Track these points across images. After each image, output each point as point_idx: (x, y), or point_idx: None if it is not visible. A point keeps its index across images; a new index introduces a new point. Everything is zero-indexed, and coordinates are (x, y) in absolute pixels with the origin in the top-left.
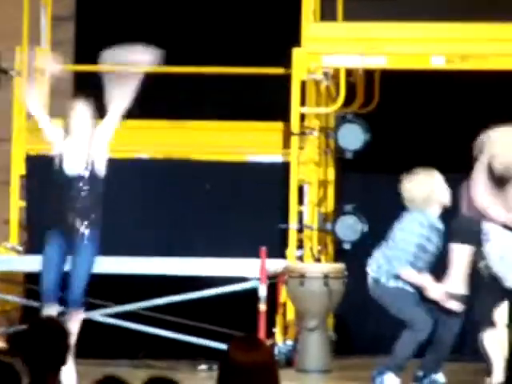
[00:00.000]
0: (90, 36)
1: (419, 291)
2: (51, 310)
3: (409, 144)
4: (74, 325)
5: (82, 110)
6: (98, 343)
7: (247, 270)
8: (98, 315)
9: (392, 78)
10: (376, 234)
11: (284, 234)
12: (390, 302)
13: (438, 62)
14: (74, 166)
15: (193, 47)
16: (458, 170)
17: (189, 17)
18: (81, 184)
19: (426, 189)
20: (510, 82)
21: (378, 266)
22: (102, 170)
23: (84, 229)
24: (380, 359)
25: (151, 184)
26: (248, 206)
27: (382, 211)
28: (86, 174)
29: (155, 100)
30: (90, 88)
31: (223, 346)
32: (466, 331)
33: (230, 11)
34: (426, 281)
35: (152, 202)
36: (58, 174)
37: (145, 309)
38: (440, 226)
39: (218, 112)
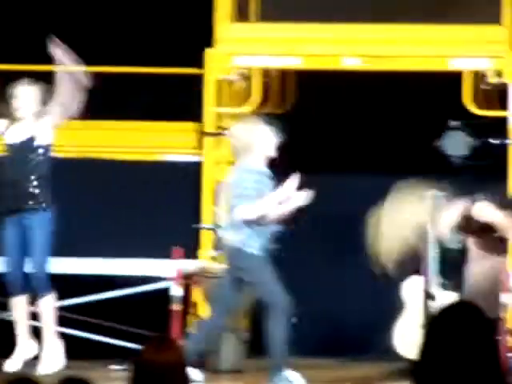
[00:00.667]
0: None
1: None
2: (20, 301)
3: (324, 144)
4: (50, 312)
5: (25, 90)
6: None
7: (161, 270)
8: (5, 315)
9: (308, 78)
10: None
11: (200, 234)
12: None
13: (351, 63)
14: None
15: (106, 47)
16: (373, 169)
17: (104, 17)
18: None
19: (246, 137)
20: (422, 81)
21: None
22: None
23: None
24: (293, 359)
25: (66, 183)
26: (163, 206)
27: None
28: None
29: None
30: None
31: (136, 346)
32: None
33: (145, 12)
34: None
35: (66, 201)
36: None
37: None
38: (266, 171)
39: (133, 112)
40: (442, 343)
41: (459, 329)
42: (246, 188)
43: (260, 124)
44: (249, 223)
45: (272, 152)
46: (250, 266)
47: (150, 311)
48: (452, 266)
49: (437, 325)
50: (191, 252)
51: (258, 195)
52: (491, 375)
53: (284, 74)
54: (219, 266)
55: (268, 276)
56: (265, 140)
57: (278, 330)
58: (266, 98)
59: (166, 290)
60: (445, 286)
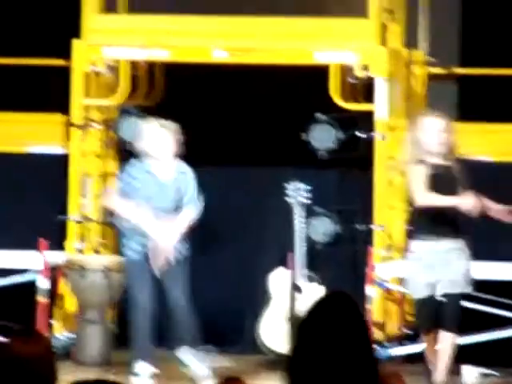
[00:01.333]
0: None
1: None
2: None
3: (192, 136)
4: None
5: None
6: None
7: (26, 262)
8: None
9: (176, 70)
10: None
11: (65, 226)
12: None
13: (220, 55)
14: None
15: None
16: (242, 162)
17: None
18: None
19: (141, 137)
20: (291, 74)
21: None
22: None
23: None
24: (164, 352)
25: None
26: (29, 198)
27: None
28: None
29: None
30: None
31: (2, 339)
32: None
33: (13, 2)
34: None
35: None
36: None
37: None
38: (154, 172)
39: (6, 103)
40: (316, 336)
41: (334, 320)
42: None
43: (153, 124)
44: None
45: (157, 154)
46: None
47: (15, 303)
48: (319, 258)
49: (311, 317)
50: (57, 244)
51: (125, 195)
52: (366, 367)
53: (152, 66)
54: (85, 258)
55: (133, 275)
56: (152, 141)
57: (136, 321)
58: (134, 90)
59: (32, 282)
60: (311, 279)
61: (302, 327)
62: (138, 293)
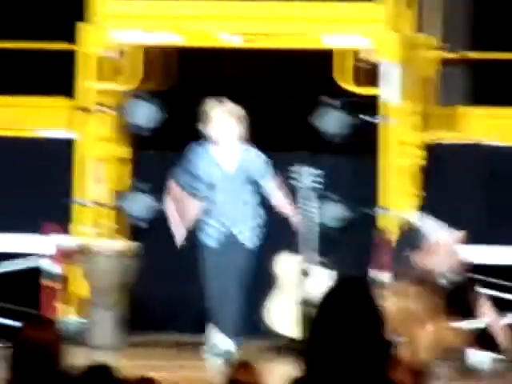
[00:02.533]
0: None
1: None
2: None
3: None
4: None
5: None
6: None
7: (37, 246)
8: None
9: (190, 56)
10: None
11: (79, 211)
12: None
13: (230, 40)
14: None
15: None
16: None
17: None
18: None
19: (206, 122)
20: (299, 58)
21: None
22: None
23: None
24: (174, 336)
25: None
26: (38, 182)
27: None
28: None
29: None
30: None
31: (14, 323)
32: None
33: None
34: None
35: None
36: None
37: None
38: (220, 160)
39: (9, 87)
40: (331, 322)
41: (348, 306)
42: None
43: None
44: None
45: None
46: None
47: (27, 288)
48: (329, 243)
49: (326, 303)
50: (64, 227)
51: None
52: (379, 352)
53: (166, 51)
54: (98, 243)
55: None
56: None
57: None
58: (147, 75)
59: (38, 267)
60: (323, 264)
61: (317, 313)
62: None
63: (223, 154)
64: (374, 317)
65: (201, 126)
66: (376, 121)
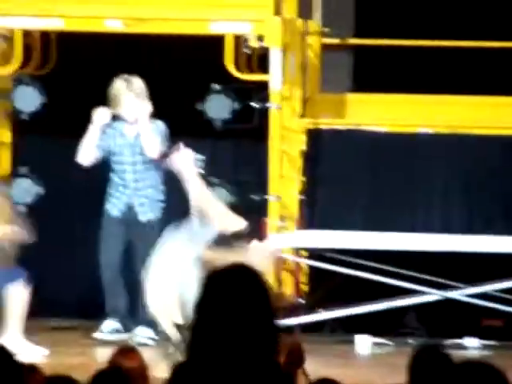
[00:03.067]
0: None
1: None
2: None
3: (85, 106)
4: None
5: None
6: None
7: None
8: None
9: (70, 40)
10: (51, 196)
11: None
12: None
13: (113, 25)
14: None
15: None
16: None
17: None
18: None
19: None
20: (186, 44)
21: None
22: None
23: None
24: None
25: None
26: None
27: (58, 173)
28: None
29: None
30: None
31: None
32: None
33: None
34: None
35: None
36: None
37: None
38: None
39: None
40: (215, 303)
41: (233, 289)
42: None
43: None
44: None
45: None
46: None
47: None
48: None
49: (211, 286)
50: None
51: None
52: (267, 335)
53: (45, 35)
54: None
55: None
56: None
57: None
58: (27, 60)
59: None
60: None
61: (201, 295)
62: (105, 250)
63: (130, 129)
64: (260, 299)
65: (110, 107)
66: (258, 106)
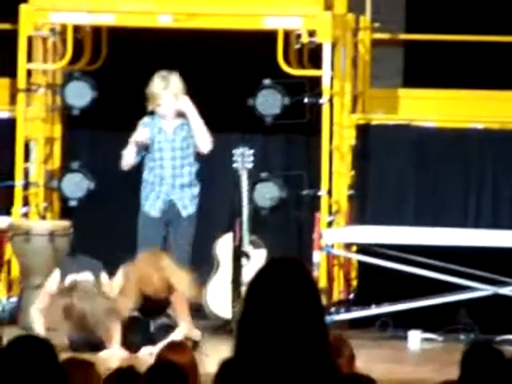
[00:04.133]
0: None
1: None
2: None
3: (135, 101)
4: None
5: None
6: None
7: None
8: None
9: (120, 35)
10: (102, 191)
11: (10, 191)
12: None
13: (164, 20)
14: None
15: None
16: None
17: None
18: None
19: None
20: (238, 39)
21: None
22: None
23: None
24: None
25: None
26: None
27: (109, 168)
28: None
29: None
30: None
31: None
32: None
33: None
34: None
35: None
36: None
37: None
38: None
39: None
40: (264, 299)
41: (282, 283)
42: None
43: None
44: None
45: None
46: None
47: None
48: (265, 224)
49: (259, 280)
50: (3, 209)
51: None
52: (315, 331)
53: (96, 30)
54: (30, 223)
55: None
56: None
57: None
58: (79, 55)
59: None
60: (256, 245)
61: (249, 290)
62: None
63: (168, 125)
64: (309, 294)
65: (148, 104)
66: (312, 102)
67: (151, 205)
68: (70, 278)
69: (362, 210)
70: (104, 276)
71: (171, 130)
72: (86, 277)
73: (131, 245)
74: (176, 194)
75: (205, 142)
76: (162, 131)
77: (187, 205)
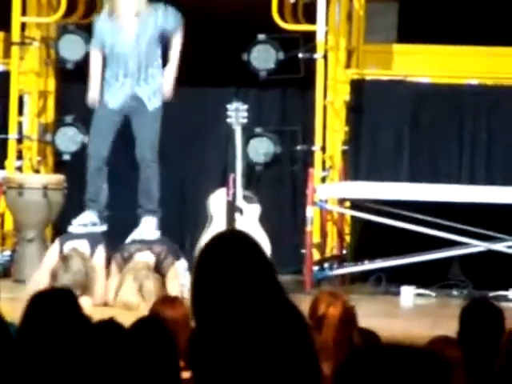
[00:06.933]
0: None
1: None
2: None
3: None
4: None
5: None
6: None
7: None
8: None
9: None
10: None
11: (4, 144)
12: None
13: None
14: None
15: None
16: (183, 83)
17: None
18: None
19: None
20: None
21: None
22: None
23: None
24: None
25: None
26: None
27: None
28: None
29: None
30: None
31: None
32: None
33: None
34: None
35: None
36: None
37: None
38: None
39: None
40: (213, 272)
41: (231, 255)
42: None
43: None
44: None
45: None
46: None
47: None
48: (258, 179)
49: (207, 254)
50: None
51: None
52: (269, 291)
53: None
54: (23, 176)
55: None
56: None
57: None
58: (73, 8)
59: None
60: (250, 200)
61: (198, 265)
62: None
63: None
64: (254, 262)
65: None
66: (302, 56)
67: (113, 94)
68: (68, 247)
69: (356, 166)
70: (100, 250)
71: (134, 26)
72: (81, 246)
73: (124, 197)
74: (141, 87)
75: (170, 88)
76: (123, 30)
77: (152, 98)
